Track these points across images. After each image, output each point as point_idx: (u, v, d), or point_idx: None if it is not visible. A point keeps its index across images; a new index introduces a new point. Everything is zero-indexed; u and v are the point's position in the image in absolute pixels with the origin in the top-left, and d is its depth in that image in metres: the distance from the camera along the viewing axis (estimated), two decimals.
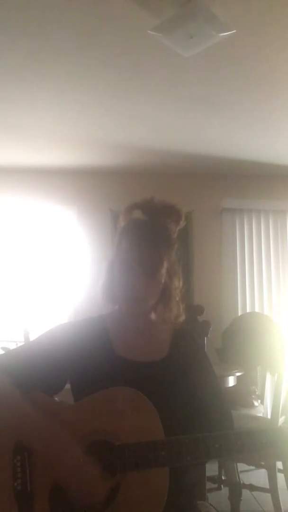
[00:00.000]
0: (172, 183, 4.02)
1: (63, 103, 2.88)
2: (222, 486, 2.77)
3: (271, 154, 3.77)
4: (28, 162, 3.90)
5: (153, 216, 1.16)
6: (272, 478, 2.37)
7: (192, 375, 1.16)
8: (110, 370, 1.11)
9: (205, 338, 2.83)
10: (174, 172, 4.09)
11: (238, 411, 2.85)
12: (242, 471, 2.71)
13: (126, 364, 1.12)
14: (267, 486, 2.39)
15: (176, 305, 1.20)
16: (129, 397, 1.02)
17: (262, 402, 3.15)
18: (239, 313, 3.92)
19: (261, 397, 3.17)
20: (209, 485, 2.64)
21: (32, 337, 1.14)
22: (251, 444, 1.01)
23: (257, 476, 2.82)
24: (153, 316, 1.22)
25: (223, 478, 2.79)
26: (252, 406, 3.01)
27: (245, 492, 2.50)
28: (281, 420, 2.42)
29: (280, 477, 2.46)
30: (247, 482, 2.62)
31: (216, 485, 2.78)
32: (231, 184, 4.18)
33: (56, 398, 1.13)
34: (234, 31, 2.01)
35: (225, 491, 2.55)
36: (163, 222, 1.16)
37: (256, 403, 3.06)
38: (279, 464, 2.51)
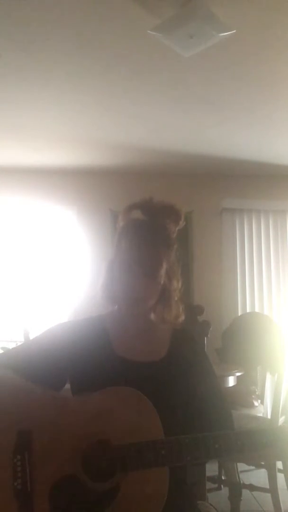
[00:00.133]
0: (172, 183, 4.02)
1: (63, 103, 2.88)
2: (222, 486, 2.77)
3: (271, 154, 3.77)
4: (28, 162, 3.90)
5: (152, 216, 1.16)
6: (272, 478, 2.37)
7: (192, 375, 1.16)
8: (110, 370, 1.11)
9: (205, 338, 2.83)
10: (174, 172, 4.09)
11: (238, 411, 2.85)
12: (242, 471, 2.71)
13: (125, 364, 1.12)
14: (267, 486, 2.39)
15: (175, 306, 1.20)
16: (129, 397, 1.02)
17: (262, 402, 3.15)
18: (239, 313, 3.92)
19: (261, 397, 3.17)
20: (209, 485, 2.64)
21: (32, 337, 1.15)
22: (251, 444, 1.01)
23: (257, 476, 2.82)
24: (152, 316, 1.22)
25: (223, 478, 2.79)
26: (252, 406, 3.01)
27: (245, 492, 2.50)
28: (281, 420, 2.42)
29: (280, 477, 2.46)
30: (247, 482, 2.62)
31: (216, 485, 2.78)
32: (231, 184, 4.18)
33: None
34: (234, 31, 2.01)
35: (225, 491, 2.55)
36: (163, 222, 1.16)
37: (256, 403, 3.06)
38: (279, 464, 2.51)
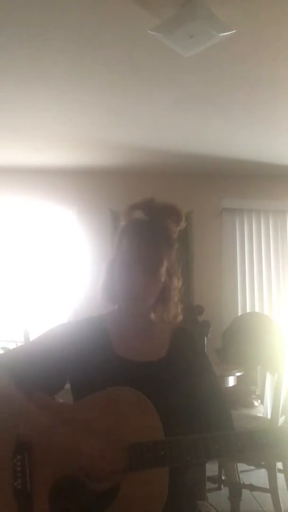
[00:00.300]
0: (172, 183, 4.02)
1: (63, 103, 2.88)
2: (222, 486, 2.77)
3: (271, 154, 3.77)
4: (28, 162, 3.90)
5: (153, 216, 1.17)
6: (272, 478, 2.37)
7: (191, 375, 1.16)
8: (110, 370, 1.11)
9: (205, 338, 2.83)
10: (174, 172, 4.09)
11: (238, 411, 2.85)
12: (242, 471, 2.71)
13: (125, 364, 1.12)
14: (267, 486, 2.39)
15: (174, 306, 1.20)
16: (129, 397, 1.02)
17: (262, 402, 3.15)
18: (239, 313, 3.92)
19: (261, 397, 3.17)
20: (209, 485, 2.64)
21: (32, 337, 1.14)
22: (251, 444, 1.01)
23: (257, 476, 2.82)
24: (152, 316, 1.23)
25: (223, 478, 2.78)
26: (252, 406, 3.01)
27: (245, 492, 2.50)
28: (281, 420, 2.42)
29: (280, 477, 2.46)
30: (247, 482, 2.62)
31: (216, 485, 2.78)
32: (231, 184, 4.18)
33: (60, 400, 1.13)
34: (234, 31, 2.01)
35: (225, 491, 2.55)
36: (164, 222, 1.16)
37: (256, 403, 3.06)
38: (279, 464, 2.51)
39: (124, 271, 1.14)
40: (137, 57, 2.36)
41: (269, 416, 2.63)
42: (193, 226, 3.99)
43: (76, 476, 0.97)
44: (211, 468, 2.85)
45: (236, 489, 2.37)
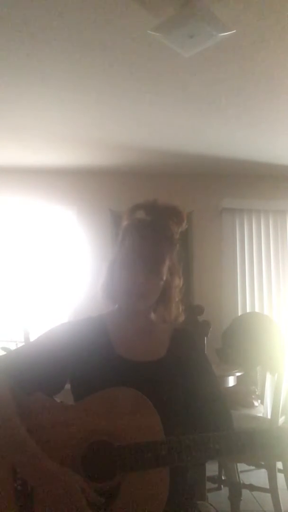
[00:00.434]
0: (172, 183, 4.02)
1: (63, 103, 2.88)
2: (222, 486, 2.77)
3: (271, 154, 3.77)
4: (28, 162, 3.90)
5: (155, 217, 1.17)
6: (272, 478, 2.37)
7: (191, 375, 1.16)
8: (110, 369, 1.11)
9: (205, 338, 2.83)
10: (174, 172, 4.09)
11: (238, 411, 2.85)
12: (242, 471, 2.71)
13: (125, 363, 1.13)
14: (267, 486, 2.39)
15: (176, 306, 1.20)
16: (129, 397, 1.02)
17: (262, 402, 3.15)
18: (239, 313, 3.92)
19: (261, 397, 3.17)
20: (209, 485, 2.64)
21: (32, 337, 1.14)
22: (251, 444, 1.01)
23: (257, 476, 2.82)
24: (152, 316, 1.23)
25: (223, 478, 2.79)
26: (252, 406, 3.01)
27: (245, 492, 2.50)
28: (281, 420, 2.42)
29: (280, 477, 2.46)
30: (247, 482, 2.62)
31: (216, 485, 2.78)
32: (231, 184, 4.18)
33: (57, 400, 1.13)
34: (234, 31, 2.01)
35: (225, 491, 2.55)
36: (166, 222, 1.17)
37: (256, 403, 3.06)
38: (279, 464, 2.51)
39: (125, 268, 1.15)
40: (137, 57, 2.36)
41: (269, 416, 2.63)
42: (193, 226, 3.98)
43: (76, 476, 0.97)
44: (211, 468, 2.85)
45: (236, 489, 2.37)
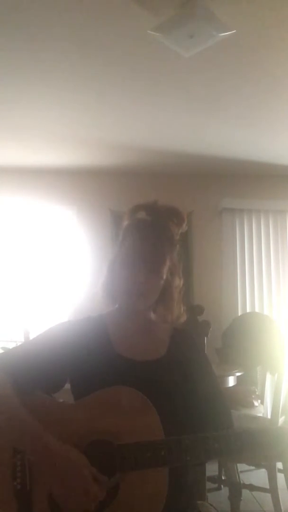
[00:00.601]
0: (172, 183, 4.02)
1: (63, 103, 2.88)
2: (222, 486, 2.77)
3: (271, 154, 3.77)
4: (28, 162, 3.90)
5: (156, 217, 1.18)
6: (272, 478, 2.37)
7: (191, 375, 1.16)
8: (110, 369, 1.11)
9: (205, 338, 2.83)
10: (174, 172, 4.09)
11: (238, 411, 2.85)
12: (242, 471, 2.71)
13: (125, 362, 1.13)
14: (267, 486, 2.39)
15: (177, 306, 1.21)
16: (129, 396, 1.02)
17: (262, 402, 3.15)
18: (239, 313, 3.92)
19: (261, 397, 3.17)
20: (209, 485, 2.64)
21: (32, 337, 1.15)
22: (251, 444, 1.01)
23: (257, 476, 2.82)
24: (152, 316, 1.23)
25: (223, 478, 2.79)
26: (252, 406, 3.01)
27: (245, 492, 2.50)
28: (281, 420, 2.42)
29: (280, 477, 2.46)
30: (247, 482, 2.62)
31: (216, 485, 2.78)
32: (231, 184, 4.18)
33: (60, 399, 1.13)
34: (234, 31, 2.01)
35: (225, 491, 2.55)
36: (166, 223, 1.18)
37: (256, 403, 3.06)
38: (279, 464, 2.51)
39: (126, 268, 1.15)
40: (137, 57, 2.36)
41: (269, 416, 2.63)
42: (193, 226, 3.98)
43: None
44: (211, 468, 2.85)
45: (236, 489, 2.37)
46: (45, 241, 4.07)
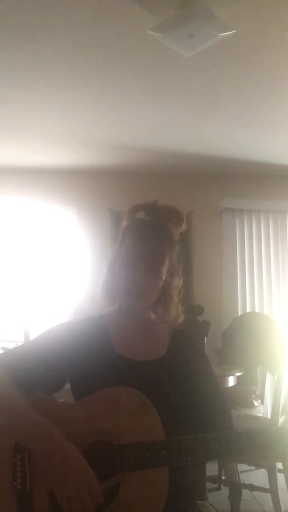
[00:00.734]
0: (172, 183, 4.02)
1: (63, 103, 2.88)
2: (222, 486, 2.77)
3: (271, 154, 3.77)
4: (28, 162, 3.90)
5: (155, 217, 1.18)
6: (272, 478, 2.37)
7: (191, 375, 1.16)
8: (110, 369, 1.11)
9: (205, 338, 2.83)
10: (174, 172, 4.09)
11: (238, 411, 2.85)
12: (242, 471, 2.71)
13: (125, 363, 1.13)
14: (267, 486, 2.39)
15: (175, 306, 1.21)
16: (130, 396, 1.02)
17: (262, 402, 3.15)
18: (239, 313, 3.92)
19: (261, 397, 3.17)
20: (209, 485, 2.64)
21: (32, 337, 1.15)
22: (251, 444, 1.01)
23: (257, 476, 2.82)
24: (152, 316, 1.23)
25: (223, 478, 2.79)
26: (252, 406, 3.01)
27: (245, 492, 2.50)
28: (281, 420, 2.42)
29: (280, 477, 2.46)
30: (247, 482, 2.62)
31: (216, 485, 2.78)
32: (231, 184, 4.18)
33: (61, 399, 1.13)
34: (234, 31, 2.01)
35: (225, 491, 2.55)
36: (166, 223, 1.17)
37: (256, 403, 3.06)
38: (279, 464, 2.51)
39: (125, 267, 1.15)
40: (137, 57, 2.36)
41: (269, 416, 2.63)
42: (193, 226, 3.98)
43: None
44: (211, 468, 2.85)
45: (236, 489, 2.37)
46: (45, 241, 4.07)
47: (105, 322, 1.22)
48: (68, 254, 4.04)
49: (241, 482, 2.48)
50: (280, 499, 2.33)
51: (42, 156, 3.77)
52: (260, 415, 2.99)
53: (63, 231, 4.12)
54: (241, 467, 2.67)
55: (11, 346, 3.10)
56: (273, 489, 2.35)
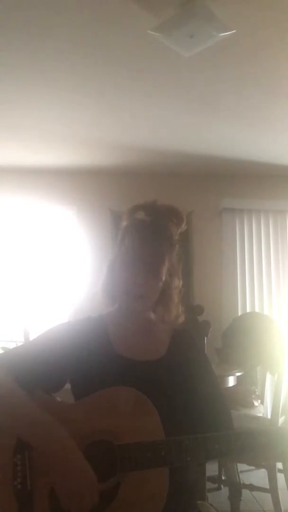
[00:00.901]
0: (172, 183, 4.02)
1: (63, 103, 2.88)
2: (222, 486, 2.77)
3: (271, 154, 3.77)
4: (28, 162, 3.90)
5: (155, 217, 1.17)
6: (272, 478, 2.37)
7: (191, 375, 1.16)
8: (110, 369, 1.11)
9: (205, 338, 2.83)
10: (174, 172, 4.09)
11: (238, 411, 2.85)
12: (242, 471, 2.71)
13: (125, 363, 1.13)
14: (267, 486, 2.39)
15: (175, 306, 1.20)
16: (130, 396, 1.02)
17: (262, 402, 3.15)
18: (239, 313, 3.92)
19: (261, 397, 3.17)
20: (209, 485, 2.64)
21: (32, 337, 1.15)
22: (251, 444, 1.01)
23: (257, 476, 2.82)
24: (152, 316, 1.23)
25: (223, 478, 2.79)
26: (252, 406, 3.01)
27: (245, 492, 2.50)
28: (281, 420, 2.42)
29: (280, 477, 2.46)
30: (247, 482, 2.62)
31: (216, 485, 2.78)
32: (231, 184, 4.18)
33: (58, 398, 1.13)
34: (234, 31, 2.01)
35: (225, 491, 2.55)
36: (165, 223, 1.17)
37: (256, 403, 3.06)
38: (279, 464, 2.51)
39: (125, 269, 1.15)
40: (137, 57, 2.36)
41: (269, 416, 2.63)
42: (193, 226, 3.98)
43: None
44: (211, 468, 2.85)
45: (236, 489, 2.37)
46: (45, 241, 4.07)
47: (105, 322, 1.22)
48: (68, 254, 4.04)
49: (241, 482, 2.48)
50: (280, 499, 2.33)
51: (42, 156, 3.77)
52: (260, 415, 2.99)
53: (63, 231, 4.12)
54: (241, 467, 2.67)
55: (11, 346, 3.10)
56: (273, 489, 2.35)
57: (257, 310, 4.03)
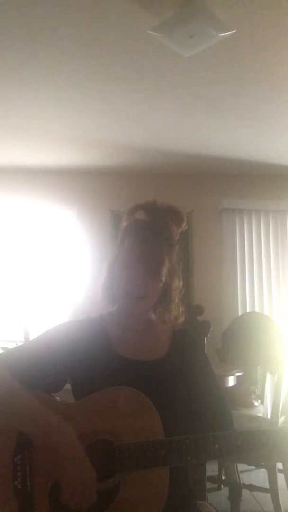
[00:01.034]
0: (172, 183, 4.02)
1: (63, 103, 2.88)
2: (222, 486, 2.77)
3: (271, 154, 3.77)
4: (28, 162, 3.90)
5: (155, 217, 1.17)
6: (272, 478, 2.37)
7: (191, 375, 1.16)
8: (110, 369, 1.11)
9: (205, 338, 2.83)
10: (174, 172, 4.09)
11: (238, 411, 2.85)
12: (242, 471, 2.71)
13: (126, 362, 1.13)
14: (267, 486, 2.39)
15: (176, 307, 1.20)
16: (130, 396, 1.02)
17: (262, 402, 3.15)
18: (239, 313, 3.92)
19: (261, 397, 3.17)
20: (209, 485, 2.64)
21: (32, 337, 1.15)
22: (251, 444, 1.01)
23: (257, 476, 2.82)
24: (153, 316, 1.23)
25: (223, 478, 2.79)
26: (252, 406, 3.01)
27: (245, 492, 2.50)
28: (281, 420, 2.42)
29: (280, 477, 2.45)
30: (247, 482, 2.62)
31: (216, 485, 2.78)
32: (231, 184, 4.18)
33: (58, 398, 1.13)
34: (234, 31, 2.01)
35: (225, 491, 2.55)
36: (165, 223, 1.17)
37: (256, 403, 3.06)
38: (279, 464, 2.51)
39: (125, 269, 1.14)
40: (137, 57, 2.37)
41: (269, 416, 2.63)
42: (193, 226, 3.98)
43: None
44: (211, 468, 2.85)
45: (236, 489, 2.37)
46: (45, 241, 4.07)
47: (105, 322, 1.22)
48: (68, 254, 4.04)
49: (241, 482, 2.48)
50: (280, 499, 2.33)
51: (42, 156, 3.77)
52: (260, 415, 2.99)
53: (63, 231, 4.12)
54: (241, 467, 2.67)
55: (11, 346, 3.10)
56: (273, 489, 2.35)
57: (257, 310, 4.03)
